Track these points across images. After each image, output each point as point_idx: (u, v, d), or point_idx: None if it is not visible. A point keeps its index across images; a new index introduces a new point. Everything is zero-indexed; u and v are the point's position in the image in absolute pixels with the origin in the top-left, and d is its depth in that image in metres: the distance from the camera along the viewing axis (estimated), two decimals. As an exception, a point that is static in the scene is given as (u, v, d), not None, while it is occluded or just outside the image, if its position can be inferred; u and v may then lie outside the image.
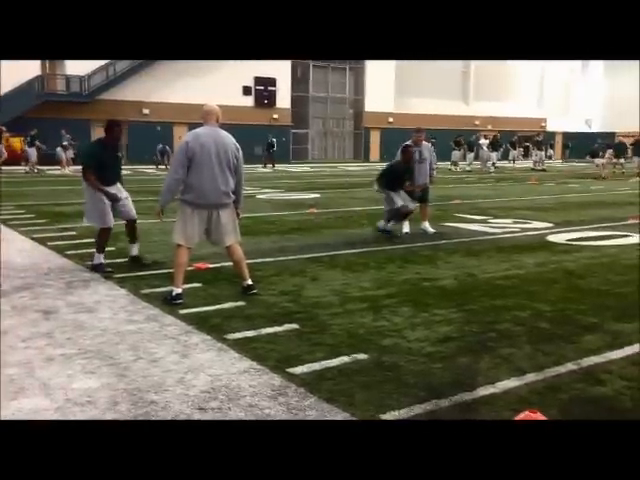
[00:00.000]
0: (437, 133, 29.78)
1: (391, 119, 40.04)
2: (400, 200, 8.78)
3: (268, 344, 4.30)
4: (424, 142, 9.59)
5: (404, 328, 4.70)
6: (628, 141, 28.96)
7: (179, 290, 5.32)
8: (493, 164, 28.19)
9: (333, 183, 20.72)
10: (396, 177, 8.89)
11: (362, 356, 4.09)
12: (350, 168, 31.69)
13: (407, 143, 9.05)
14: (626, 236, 9.11)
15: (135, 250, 6.86)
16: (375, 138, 40.59)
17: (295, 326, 4.70)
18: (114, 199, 6.56)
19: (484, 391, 3.58)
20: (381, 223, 9.14)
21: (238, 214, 5.63)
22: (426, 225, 9.51)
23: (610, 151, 26.47)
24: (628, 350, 4.24)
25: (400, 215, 8.91)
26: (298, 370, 3.82)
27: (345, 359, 4.03)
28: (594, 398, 3.50)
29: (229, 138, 5.43)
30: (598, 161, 25.28)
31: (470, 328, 4.72)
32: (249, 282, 5.60)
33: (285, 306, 5.25)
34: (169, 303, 5.23)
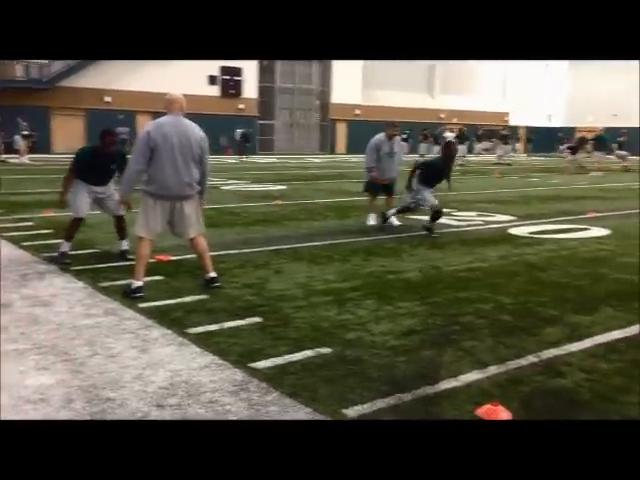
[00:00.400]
0: (404, 126, 29.90)
1: (358, 111, 40.07)
2: (434, 199, 8.59)
3: (230, 338, 4.22)
4: (397, 137, 9.60)
5: (368, 321, 4.68)
6: (589, 136, 29.60)
7: (140, 283, 5.20)
8: (462, 157, 28.45)
9: (299, 175, 20.65)
10: (434, 173, 8.60)
11: (326, 350, 4.06)
12: (316, 160, 31.65)
13: (450, 139, 8.90)
14: (585, 229, 9.28)
15: (125, 245, 6.69)
16: (342, 130, 40.58)
17: (258, 320, 4.64)
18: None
19: (447, 384, 3.58)
20: (391, 211, 9.06)
21: (202, 205, 5.53)
22: (391, 218, 9.52)
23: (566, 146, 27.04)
24: (587, 342, 4.30)
25: (436, 215, 8.61)
26: (261, 365, 3.77)
27: (309, 353, 3.99)
28: (554, 390, 3.54)
29: (194, 128, 5.31)
30: (579, 156, 25.57)
31: (434, 321, 4.73)
32: (212, 275, 5.50)
33: (248, 299, 5.18)
34: (129, 296, 5.11)
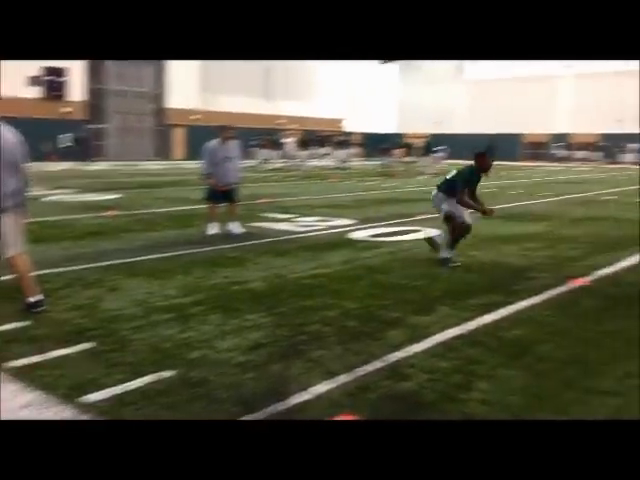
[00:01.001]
0: (244, 131, 29.82)
1: (196, 116, 39.27)
2: (466, 215, 7.15)
3: (57, 369, 3.77)
4: (232, 140, 9.40)
5: (213, 338, 4.46)
6: (417, 141, 31.69)
7: (-55, 312, 4.50)
8: (302, 162, 29.00)
9: (134, 183, 19.68)
10: (468, 187, 7.12)
11: (168, 373, 3.77)
12: (153, 166, 30.47)
13: (480, 151, 7.23)
14: (417, 231, 9.79)
15: None
16: (179, 135, 39.50)
17: (90, 345, 4.21)
18: None
19: (298, 398, 3.48)
20: (446, 252, 7.16)
21: (23, 219, 4.93)
22: (233, 225, 9.34)
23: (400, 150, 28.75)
24: (427, 342, 4.45)
25: (464, 232, 7.21)
26: (93, 397, 3.39)
27: (149, 378, 3.68)
28: (400, 394, 3.58)
29: (10, 132, 4.74)
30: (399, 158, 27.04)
31: (281, 332, 4.62)
32: (35, 297, 4.93)
33: (78, 323, 4.70)
34: None
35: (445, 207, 7.14)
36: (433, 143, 28.99)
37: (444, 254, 7.17)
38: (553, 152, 44.08)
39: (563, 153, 43.56)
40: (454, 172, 7.21)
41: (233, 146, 9.37)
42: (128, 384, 3.59)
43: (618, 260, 7.36)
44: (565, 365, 4.03)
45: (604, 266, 7.06)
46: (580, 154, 42.90)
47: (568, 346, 4.38)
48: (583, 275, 6.50)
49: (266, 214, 11.68)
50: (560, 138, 45.17)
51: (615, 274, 6.71)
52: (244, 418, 3.20)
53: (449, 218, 7.16)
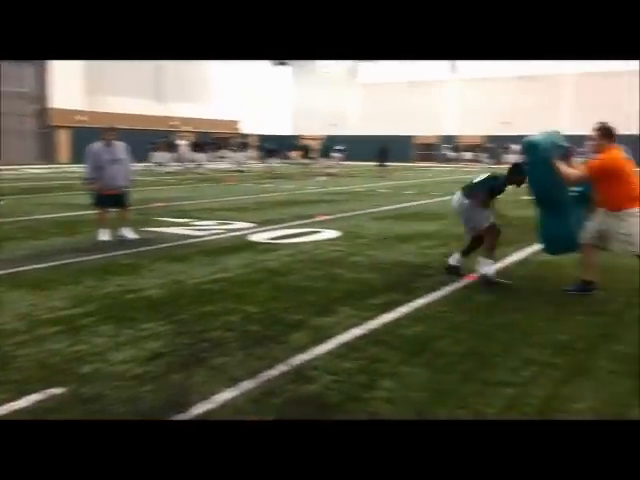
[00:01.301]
0: (134, 133, 28.84)
1: (82, 117, 37.46)
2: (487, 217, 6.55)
3: None
4: (118, 142, 8.99)
5: (107, 350, 4.21)
6: (314, 143, 31.99)
7: None
8: (199, 165, 28.42)
9: (15, 188, 18.42)
10: (491, 196, 6.58)
11: (58, 390, 3.52)
12: (35, 170, 28.73)
13: (517, 162, 6.84)
14: (317, 232, 9.84)
15: None
16: (64, 138, 37.52)
17: (-33, 365, 3.85)
18: None
19: (200, 408, 3.35)
20: (486, 266, 6.42)
21: None
22: (126, 231, 8.95)
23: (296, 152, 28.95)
24: (331, 344, 4.44)
25: (498, 234, 6.61)
26: (-28, 422, 3.09)
27: (36, 397, 3.41)
28: (305, 397, 3.54)
29: None
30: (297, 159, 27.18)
31: (181, 340, 4.45)
32: None
33: (-47, 341, 4.29)
34: None
35: (464, 219, 6.62)
36: (329, 145, 29.42)
37: (485, 269, 6.35)
38: (443, 153, 46.08)
39: (452, 154, 45.64)
40: (483, 177, 6.68)
41: (121, 148, 8.95)
42: (13, 404, 3.31)
43: (507, 255, 7.74)
44: (462, 359, 4.15)
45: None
46: (468, 155, 45.13)
47: (464, 340, 4.53)
48: (476, 271, 6.78)
49: (162, 218, 11.30)
50: (449, 140, 47.33)
51: (505, 269, 7.05)
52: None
53: (472, 230, 6.60)
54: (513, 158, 42.29)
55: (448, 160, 44.76)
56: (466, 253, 6.73)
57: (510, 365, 4.04)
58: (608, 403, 3.46)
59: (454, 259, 6.73)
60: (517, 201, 9.05)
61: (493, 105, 45.62)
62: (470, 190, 6.61)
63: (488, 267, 6.35)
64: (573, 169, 5.88)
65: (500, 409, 3.37)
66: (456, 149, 46.24)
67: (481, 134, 45.67)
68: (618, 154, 5.65)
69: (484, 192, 6.46)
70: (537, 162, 6.02)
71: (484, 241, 6.50)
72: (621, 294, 5.86)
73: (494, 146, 43.19)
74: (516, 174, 6.42)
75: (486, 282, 6.28)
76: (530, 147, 6.14)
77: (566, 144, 6.15)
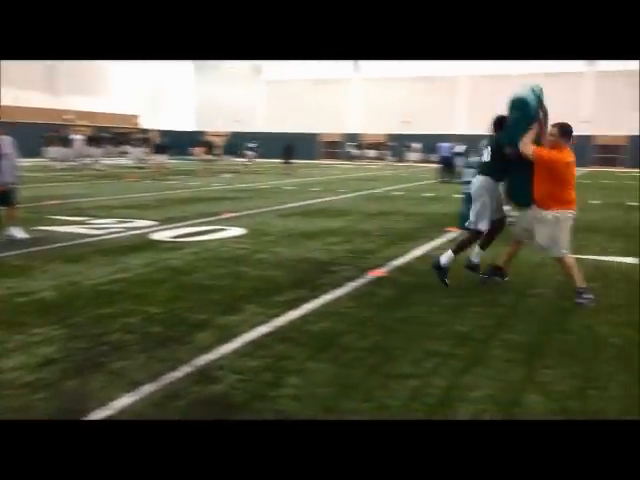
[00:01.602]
0: (25, 127, 27.25)
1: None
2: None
3: None
4: (3, 136, 8.41)
5: (-6, 357, 3.92)
6: (218, 140, 31.56)
7: None
8: (95, 160, 27.22)
9: None
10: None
11: (-64, 404, 3.23)
12: None
13: (502, 115, 6.15)
14: (223, 230, 9.69)
15: None
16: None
17: None
18: None
19: (98, 414, 3.18)
20: (475, 253, 6.26)
21: None
22: (15, 230, 8.40)
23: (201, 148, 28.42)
24: (237, 342, 4.37)
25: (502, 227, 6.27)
26: None
27: None
28: (210, 398, 3.45)
29: None
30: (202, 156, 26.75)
31: (76, 344, 4.22)
32: None
33: None
34: None
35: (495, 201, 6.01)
36: (238, 142, 29.20)
37: (475, 259, 6.25)
38: (347, 151, 46.86)
39: (356, 152, 46.51)
40: (485, 152, 6.10)
41: (7, 143, 8.38)
42: None
43: (409, 251, 7.96)
44: (368, 353, 4.21)
45: (397, 257, 7.59)
46: (371, 153, 46.15)
47: (369, 335, 4.60)
48: (379, 266, 6.91)
49: (56, 217, 10.71)
50: (352, 138, 48.17)
51: (407, 264, 7.24)
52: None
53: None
54: (415, 156, 43.85)
55: (352, 158, 45.56)
56: (485, 246, 6.26)
57: (413, 357, 4.13)
58: (504, 390, 3.62)
59: (476, 256, 6.27)
60: (415, 198, 9.32)
61: (395, 104, 46.91)
62: (494, 162, 5.95)
63: (476, 257, 6.20)
64: (531, 144, 5.59)
65: (404, 401, 3.44)
66: (360, 147, 47.14)
67: (384, 132, 46.82)
68: (569, 156, 5.62)
69: (507, 149, 5.82)
70: (520, 120, 5.75)
71: (488, 232, 6.13)
72: (516, 286, 6.16)
73: (396, 144, 44.44)
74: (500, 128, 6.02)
75: (470, 267, 6.21)
76: (520, 104, 5.81)
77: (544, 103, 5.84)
